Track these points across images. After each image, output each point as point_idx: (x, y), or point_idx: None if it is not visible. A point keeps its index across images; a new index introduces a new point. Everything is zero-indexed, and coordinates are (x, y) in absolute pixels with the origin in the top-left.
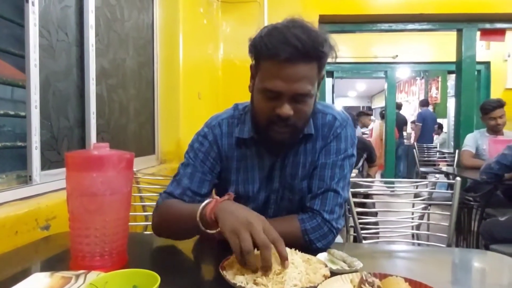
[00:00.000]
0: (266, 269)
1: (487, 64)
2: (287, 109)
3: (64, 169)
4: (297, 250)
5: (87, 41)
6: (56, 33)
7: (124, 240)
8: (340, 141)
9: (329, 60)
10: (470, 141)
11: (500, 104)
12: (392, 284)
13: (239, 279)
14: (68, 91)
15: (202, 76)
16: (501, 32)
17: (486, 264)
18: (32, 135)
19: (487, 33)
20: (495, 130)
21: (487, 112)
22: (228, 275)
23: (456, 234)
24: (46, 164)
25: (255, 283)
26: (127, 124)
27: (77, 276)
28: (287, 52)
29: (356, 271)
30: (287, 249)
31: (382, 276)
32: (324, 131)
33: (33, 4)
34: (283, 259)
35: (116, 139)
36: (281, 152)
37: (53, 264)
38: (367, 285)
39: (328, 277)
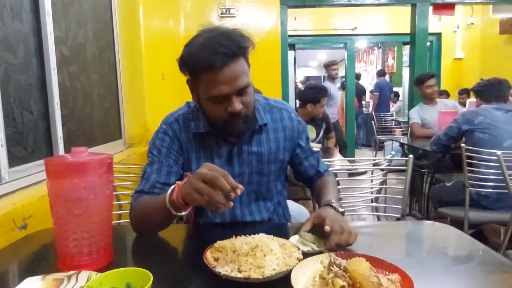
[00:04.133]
0: (227, 195)
1: (438, 35)
2: (237, 105)
3: (32, 164)
4: (273, 236)
5: (45, 29)
6: (12, 23)
7: (109, 238)
8: (306, 131)
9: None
10: (415, 114)
11: (433, 75)
12: (355, 265)
13: (224, 268)
14: (29, 83)
15: (165, 56)
16: (451, 6)
17: (433, 235)
18: None
19: (438, 8)
20: (430, 98)
21: (424, 81)
22: (213, 264)
23: (410, 197)
24: (14, 161)
25: (239, 271)
26: (92, 111)
27: (69, 277)
28: (219, 60)
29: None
30: (265, 236)
31: (347, 256)
32: (278, 124)
33: None
34: (235, 187)
35: (82, 128)
36: (237, 141)
37: (37, 263)
38: (335, 266)
39: (301, 260)
